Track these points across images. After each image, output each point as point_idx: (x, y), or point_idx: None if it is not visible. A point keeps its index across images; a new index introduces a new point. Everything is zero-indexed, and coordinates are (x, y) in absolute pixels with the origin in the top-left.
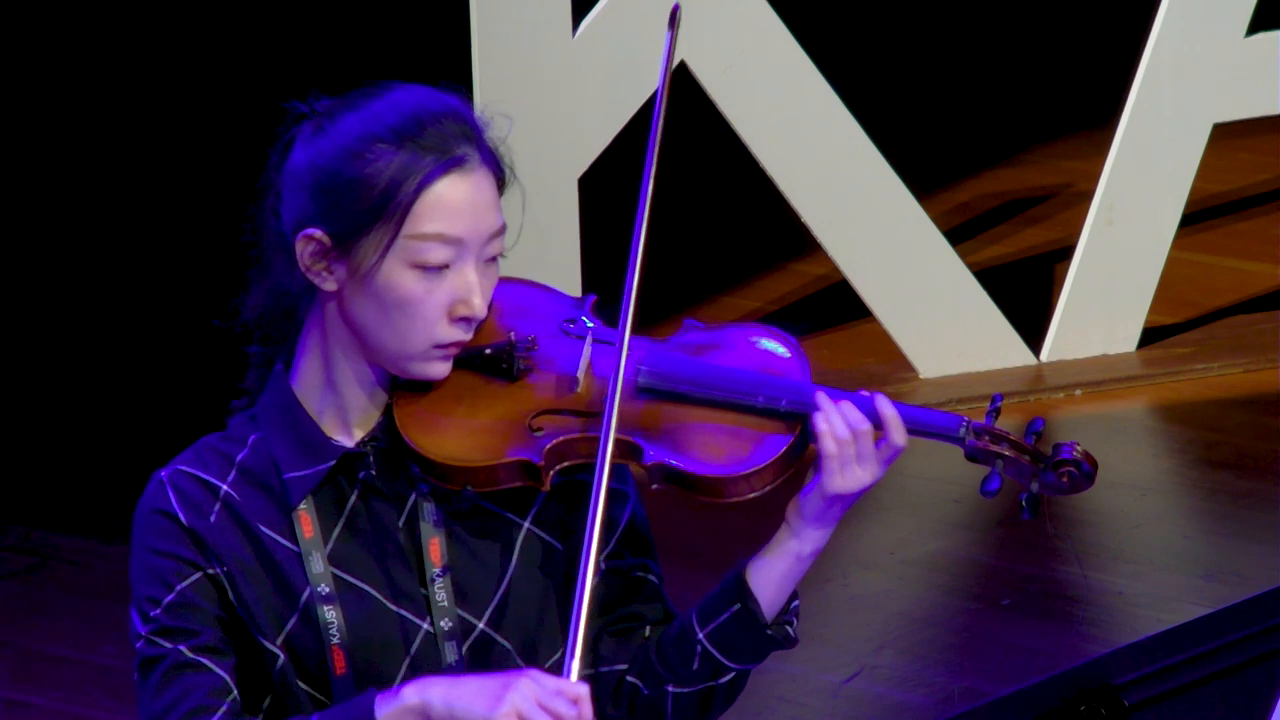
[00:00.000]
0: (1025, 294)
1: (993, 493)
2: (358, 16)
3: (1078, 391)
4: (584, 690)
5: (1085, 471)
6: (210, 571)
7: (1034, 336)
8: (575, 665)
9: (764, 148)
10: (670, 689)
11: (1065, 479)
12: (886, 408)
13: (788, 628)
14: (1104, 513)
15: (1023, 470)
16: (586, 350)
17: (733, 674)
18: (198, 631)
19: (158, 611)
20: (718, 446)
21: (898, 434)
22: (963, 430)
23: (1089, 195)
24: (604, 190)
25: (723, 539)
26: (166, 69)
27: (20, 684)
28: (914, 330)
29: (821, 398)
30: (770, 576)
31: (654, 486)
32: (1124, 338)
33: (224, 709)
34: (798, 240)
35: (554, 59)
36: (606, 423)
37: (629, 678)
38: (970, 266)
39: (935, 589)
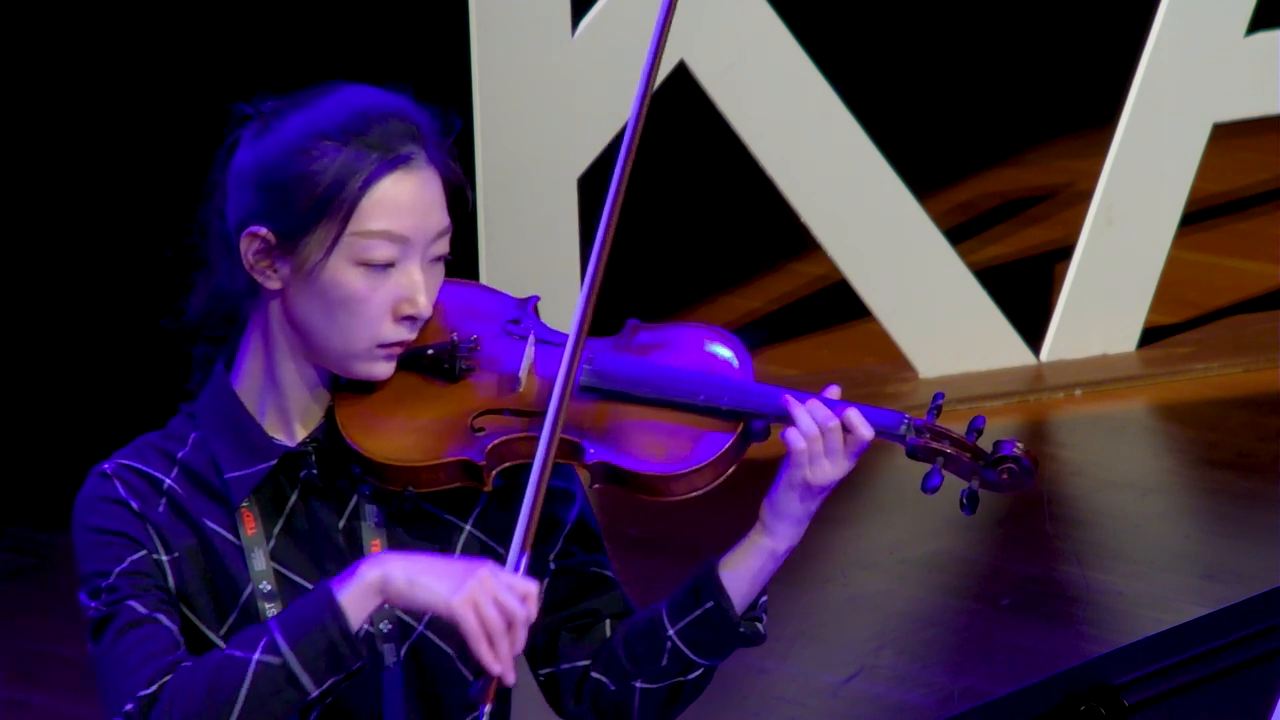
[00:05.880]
0: (1025, 294)
1: (934, 489)
2: (357, 16)
3: (1078, 391)
4: (533, 588)
5: (1025, 468)
6: (156, 557)
7: (1034, 336)
8: (524, 563)
9: (764, 148)
10: (638, 685)
11: (1006, 475)
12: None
13: (757, 624)
14: (1104, 513)
15: (963, 467)
16: (529, 350)
17: (701, 670)
18: (146, 590)
19: (109, 581)
20: (659, 445)
21: (864, 427)
22: (904, 428)
23: (1089, 195)
24: (604, 190)
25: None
26: (155, 69)
27: (20, 684)
28: (914, 330)
29: (789, 398)
30: (743, 575)
31: (595, 485)
32: (1124, 338)
33: (174, 659)
34: (798, 240)
35: (554, 59)
36: (549, 420)
37: (593, 674)
38: (970, 266)
39: (935, 589)
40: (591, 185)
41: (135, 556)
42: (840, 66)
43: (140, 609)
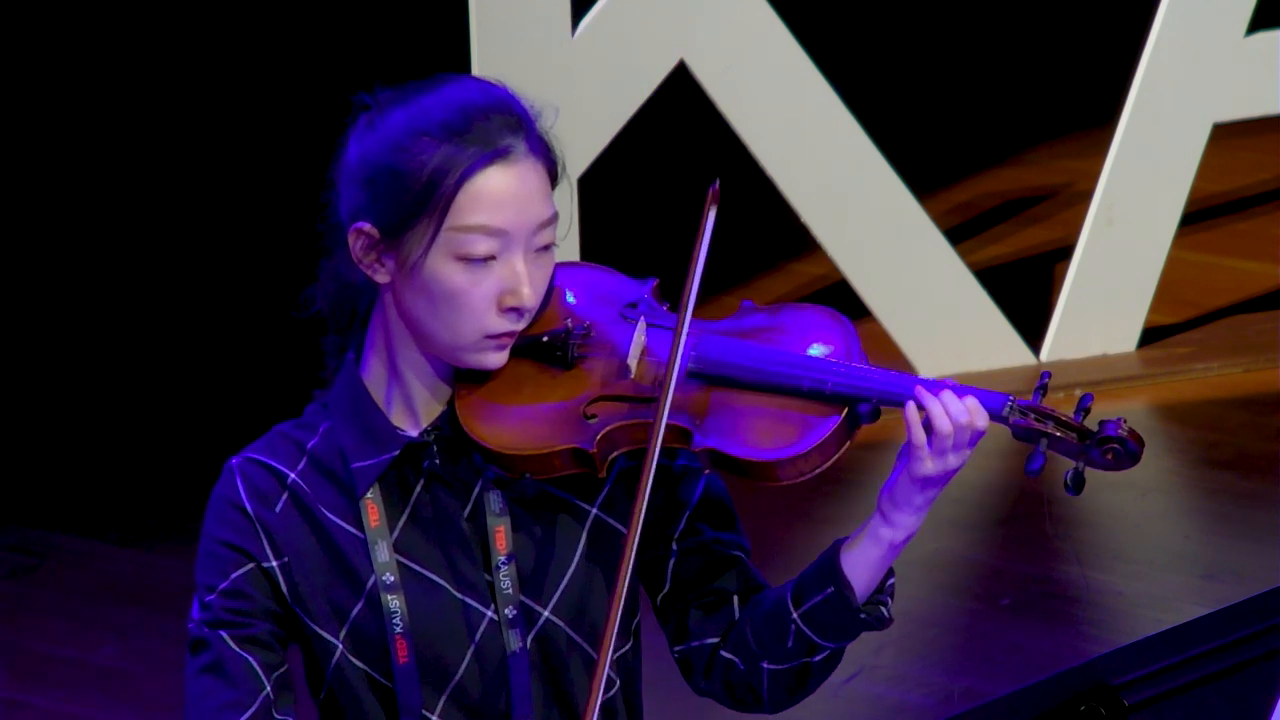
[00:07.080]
0: (1025, 294)
1: (1036, 471)
2: (357, 16)
3: (1078, 391)
4: None
5: (1130, 450)
6: (265, 565)
7: (1034, 336)
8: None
9: (764, 148)
10: (765, 665)
11: (1110, 456)
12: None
13: (881, 608)
14: (1104, 513)
15: (1069, 448)
16: (638, 336)
17: (827, 652)
18: (246, 624)
19: (212, 598)
20: (766, 430)
21: (980, 418)
22: (1007, 409)
23: (1089, 195)
24: (604, 190)
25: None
26: (186, 70)
27: (20, 684)
28: (914, 330)
29: (921, 389)
30: (863, 561)
31: (706, 471)
32: (1124, 338)
33: (255, 707)
34: (798, 240)
35: (553, 59)
36: (659, 408)
37: (723, 653)
38: (970, 266)
39: (935, 589)
40: (592, 185)
41: (239, 573)
42: (840, 66)
43: (231, 645)
